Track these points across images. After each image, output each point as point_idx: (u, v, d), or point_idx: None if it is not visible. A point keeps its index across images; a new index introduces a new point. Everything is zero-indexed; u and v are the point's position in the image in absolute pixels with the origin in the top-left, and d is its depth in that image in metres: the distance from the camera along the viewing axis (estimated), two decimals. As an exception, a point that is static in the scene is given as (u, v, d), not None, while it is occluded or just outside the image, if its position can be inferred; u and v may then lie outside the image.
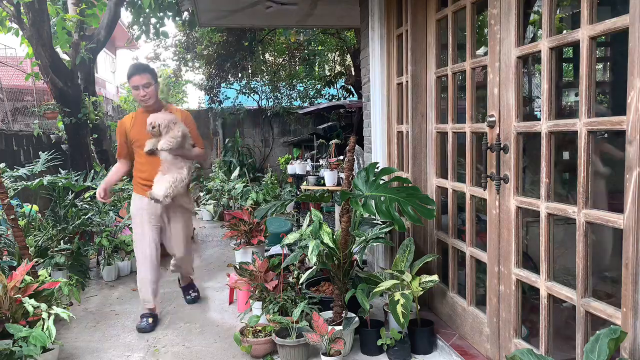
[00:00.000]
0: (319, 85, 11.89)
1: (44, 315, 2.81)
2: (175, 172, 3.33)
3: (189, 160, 3.45)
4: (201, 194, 8.20)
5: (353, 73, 10.39)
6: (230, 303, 3.86)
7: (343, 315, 2.97)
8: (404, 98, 3.36)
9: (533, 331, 2.36)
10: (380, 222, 3.29)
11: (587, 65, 1.80)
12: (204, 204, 7.84)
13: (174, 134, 3.25)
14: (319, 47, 11.92)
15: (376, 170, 3.04)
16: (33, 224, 4.51)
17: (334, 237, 3.05)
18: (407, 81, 3.26)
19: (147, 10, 8.02)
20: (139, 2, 7.98)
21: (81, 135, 7.80)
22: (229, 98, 11.72)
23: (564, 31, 2.00)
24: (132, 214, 3.51)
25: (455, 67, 2.81)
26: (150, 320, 3.43)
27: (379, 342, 2.81)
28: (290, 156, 9.72)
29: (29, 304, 2.80)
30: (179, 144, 3.29)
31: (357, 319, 2.94)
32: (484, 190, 2.52)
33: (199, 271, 4.81)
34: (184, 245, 3.62)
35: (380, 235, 3.07)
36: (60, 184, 4.52)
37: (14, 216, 3.49)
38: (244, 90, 11.78)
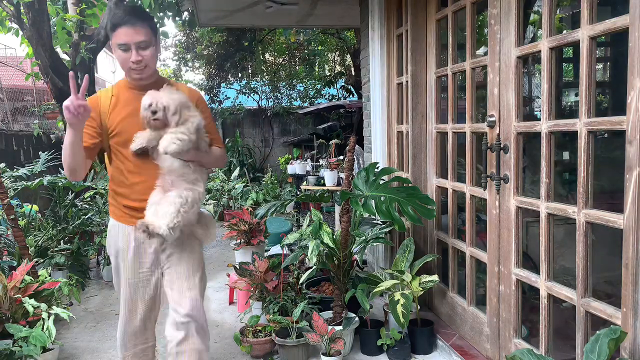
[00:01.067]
0: (319, 85, 11.90)
1: (44, 315, 2.81)
2: (185, 188, 2.02)
3: (205, 168, 2.17)
4: (201, 194, 8.19)
5: (353, 73, 10.40)
6: (230, 303, 3.86)
7: (343, 315, 2.97)
8: (404, 98, 3.36)
9: (533, 331, 2.36)
10: (380, 222, 3.29)
11: (587, 65, 1.80)
12: (204, 204, 7.84)
13: (188, 128, 1.96)
14: (319, 47, 11.93)
15: (376, 170, 3.04)
16: (33, 224, 4.51)
17: (334, 237, 3.05)
18: (407, 81, 3.26)
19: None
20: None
21: (81, 135, 7.79)
22: (229, 98, 11.73)
23: (564, 31, 2.00)
24: (110, 254, 2.21)
25: (455, 67, 2.81)
26: None
27: (379, 342, 2.81)
28: (290, 156, 9.72)
29: (29, 304, 2.80)
30: (193, 143, 1.99)
31: (357, 319, 2.94)
32: (484, 190, 2.52)
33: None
34: (192, 297, 2.15)
35: (380, 235, 3.07)
36: (60, 184, 4.52)
37: (14, 216, 3.49)
38: (244, 90, 11.80)
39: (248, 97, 11.90)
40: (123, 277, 2.17)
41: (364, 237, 3.03)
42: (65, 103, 1.78)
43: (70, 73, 1.83)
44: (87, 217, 4.59)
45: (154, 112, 1.94)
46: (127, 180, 2.07)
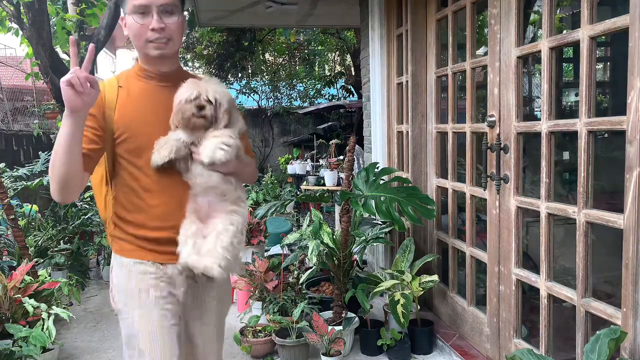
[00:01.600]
0: (319, 85, 11.90)
1: (44, 315, 2.81)
2: (230, 211, 1.53)
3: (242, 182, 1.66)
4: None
5: (353, 73, 10.40)
6: (230, 303, 3.86)
7: (343, 315, 2.96)
8: (404, 98, 3.36)
9: (533, 331, 2.36)
10: (380, 222, 3.29)
11: (587, 65, 1.80)
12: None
13: (233, 130, 1.53)
14: (319, 47, 11.93)
15: (376, 170, 3.04)
16: (33, 224, 4.50)
17: (334, 237, 3.05)
18: (407, 81, 3.26)
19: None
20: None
21: (81, 136, 7.79)
22: (229, 98, 11.71)
23: (564, 31, 2.00)
24: (119, 301, 1.58)
25: (455, 67, 2.81)
26: None
27: (379, 342, 2.81)
28: (290, 156, 9.72)
29: (29, 304, 2.79)
30: (238, 151, 1.53)
31: (357, 319, 2.94)
32: (484, 190, 2.52)
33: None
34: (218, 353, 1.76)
35: (380, 235, 3.07)
36: (60, 184, 4.51)
37: (14, 216, 3.49)
38: (244, 90, 11.80)
39: (248, 97, 11.90)
40: (138, 331, 1.53)
41: (364, 237, 3.03)
42: (66, 77, 1.30)
43: (71, 38, 1.40)
44: (87, 217, 4.58)
45: (201, 108, 1.44)
46: (143, 202, 1.52)
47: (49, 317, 2.81)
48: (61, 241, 4.45)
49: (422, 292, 2.78)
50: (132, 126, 1.50)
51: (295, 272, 3.40)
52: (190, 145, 1.48)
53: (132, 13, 1.47)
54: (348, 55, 11.38)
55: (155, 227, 1.52)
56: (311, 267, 3.21)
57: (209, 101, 1.45)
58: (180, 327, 1.58)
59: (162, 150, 1.46)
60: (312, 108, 10.39)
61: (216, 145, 1.44)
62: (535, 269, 2.20)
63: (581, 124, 1.82)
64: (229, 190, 1.54)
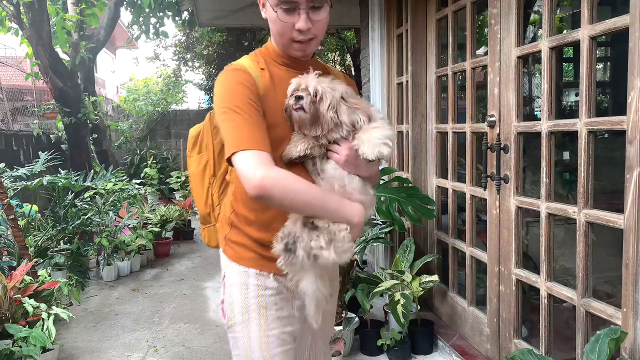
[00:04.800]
0: (319, 85, 11.89)
1: (44, 315, 2.81)
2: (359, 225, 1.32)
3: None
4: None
5: (353, 73, 10.40)
6: (230, 303, 3.86)
7: (343, 315, 2.96)
8: (404, 98, 3.36)
9: (533, 331, 2.36)
10: (380, 222, 3.29)
11: (587, 65, 1.80)
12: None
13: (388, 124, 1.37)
14: (319, 47, 11.94)
15: (376, 170, 3.03)
16: (33, 224, 4.50)
17: (334, 237, 3.04)
18: (407, 81, 3.26)
19: (147, 10, 8.02)
20: (139, 1, 7.98)
21: (81, 135, 7.80)
22: (229, 98, 11.71)
23: (564, 31, 2.00)
24: (234, 317, 1.40)
25: (456, 67, 2.81)
26: None
27: (379, 343, 2.81)
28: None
29: (29, 304, 2.79)
30: None
31: (357, 319, 2.94)
32: (484, 190, 2.52)
33: (198, 271, 4.81)
34: None
35: (380, 235, 3.07)
36: (60, 184, 4.51)
37: (13, 216, 3.48)
38: (244, 90, 11.78)
39: (248, 97, 11.88)
40: (253, 352, 1.38)
41: (364, 237, 3.03)
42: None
43: None
44: (86, 217, 4.58)
45: (298, 98, 1.28)
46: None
47: (48, 317, 2.81)
48: (61, 241, 4.45)
49: (422, 292, 2.78)
50: (275, 114, 1.32)
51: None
52: (328, 145, 1.31)
53: (276, 6, 1.29)
54: (348, 55, 11.38)
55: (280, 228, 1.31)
56: (311, 267, 3.20)
57: (308, 91, 1.27)
58: (295, 349, 1.45)
59: (300, 145, 1.29)
60: (312, 108, 10.37)
61: (379, 140, 1.24)
62: (535, 269, 2.20)
63: (581, 124, 1.82)
64: (367, 199, 1.34)
